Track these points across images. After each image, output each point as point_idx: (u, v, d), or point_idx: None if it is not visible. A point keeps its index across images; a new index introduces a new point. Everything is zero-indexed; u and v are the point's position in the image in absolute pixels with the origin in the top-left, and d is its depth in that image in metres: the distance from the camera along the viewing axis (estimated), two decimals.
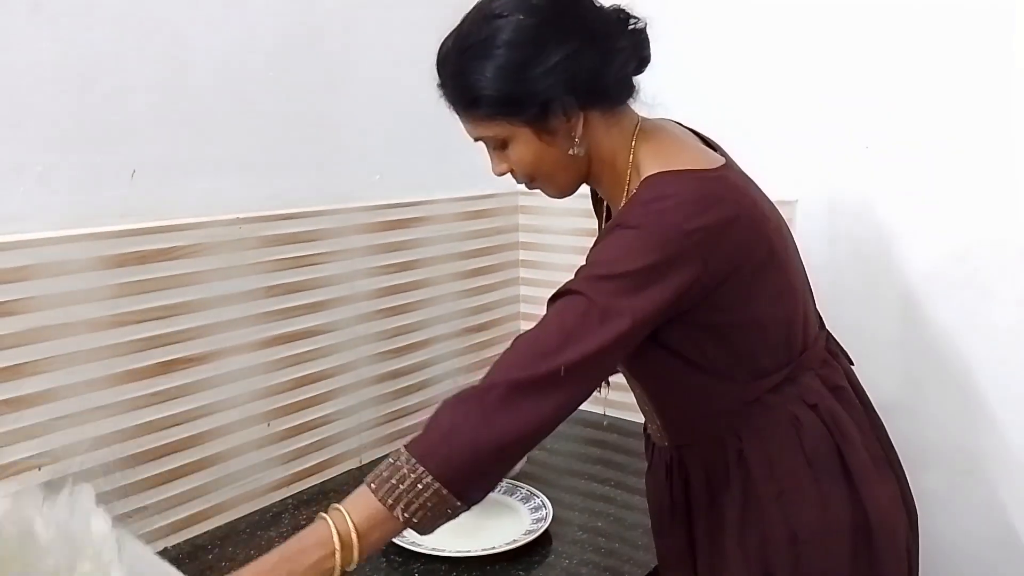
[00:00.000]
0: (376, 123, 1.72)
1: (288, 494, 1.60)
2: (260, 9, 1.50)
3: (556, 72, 1.03)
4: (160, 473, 1.39)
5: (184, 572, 1.32)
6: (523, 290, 2.09)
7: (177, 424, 1.41)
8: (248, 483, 1.53)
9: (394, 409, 1.79)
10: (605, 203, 1.27)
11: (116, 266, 1.30)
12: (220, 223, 1.44)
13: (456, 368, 1.92)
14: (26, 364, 1.21)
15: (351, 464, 1.71)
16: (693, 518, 1.18)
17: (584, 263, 1.04)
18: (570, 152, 1.09)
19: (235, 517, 1.51)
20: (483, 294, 1.99)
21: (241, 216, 1.47)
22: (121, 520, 1.31)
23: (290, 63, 1.56)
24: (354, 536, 0.93)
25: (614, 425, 1.92)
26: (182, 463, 1.42)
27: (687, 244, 0.98)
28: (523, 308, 2.08)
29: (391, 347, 1.77)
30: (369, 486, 0.96)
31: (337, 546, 0.93)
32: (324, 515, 0.96)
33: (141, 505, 1.37)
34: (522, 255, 2.07)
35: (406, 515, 0.94)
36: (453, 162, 1.86)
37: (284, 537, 1.42)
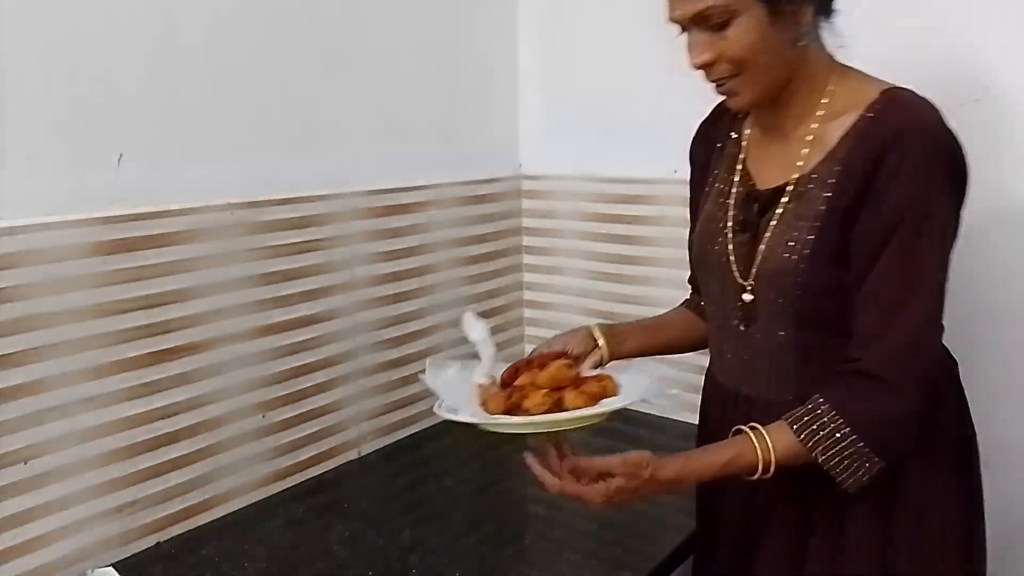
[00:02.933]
0: (376, 105, 1.67)
1: (285, 486, 1.57)
2: None
3: None
4: (152, 466, 1.36)
5: (180, 567, 1.31)
6: (527, 276, 2.05)
7: (169, 416, 1.37)
8: (244, 475, 1.50)
9: (395, 399, 1.76)
10: (734, 123, 1.26)
11: (105, 253, 1.26)
12: (213, 209, 1.40)
13: (459, 356, 1.88)
14: (12, 355, 1.18)
15: (350, 455, 1.68)
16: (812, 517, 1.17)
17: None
18: (797, 43, 1.06)
19: (231, 510, 1.48)
20: (486, 280, 1.95)
21: (234, 201, 1.43)
22: (114, 514, 1.32)
23: (286, 43, 1.51)
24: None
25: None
26: (175, 455, 1.39)
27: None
28: (527, 295, 2.05)
29: (392, 335, 1.73)
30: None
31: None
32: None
33: (133, 499, 1.34)
34: (526, 240, 2.03)
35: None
36: (455, 145, 1.83)
37: (282, 531, 1.47)
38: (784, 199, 1.12)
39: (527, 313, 2.05)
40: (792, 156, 1.12)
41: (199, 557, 1.35)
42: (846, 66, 1.12)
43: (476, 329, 1.25)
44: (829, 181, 1.08)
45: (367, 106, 1.66)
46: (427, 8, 1.71)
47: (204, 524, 1.44)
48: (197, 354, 1.40)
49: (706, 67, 1.07)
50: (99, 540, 1.31)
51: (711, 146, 1.29)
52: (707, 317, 1.29)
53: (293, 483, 1.58)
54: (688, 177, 1.34)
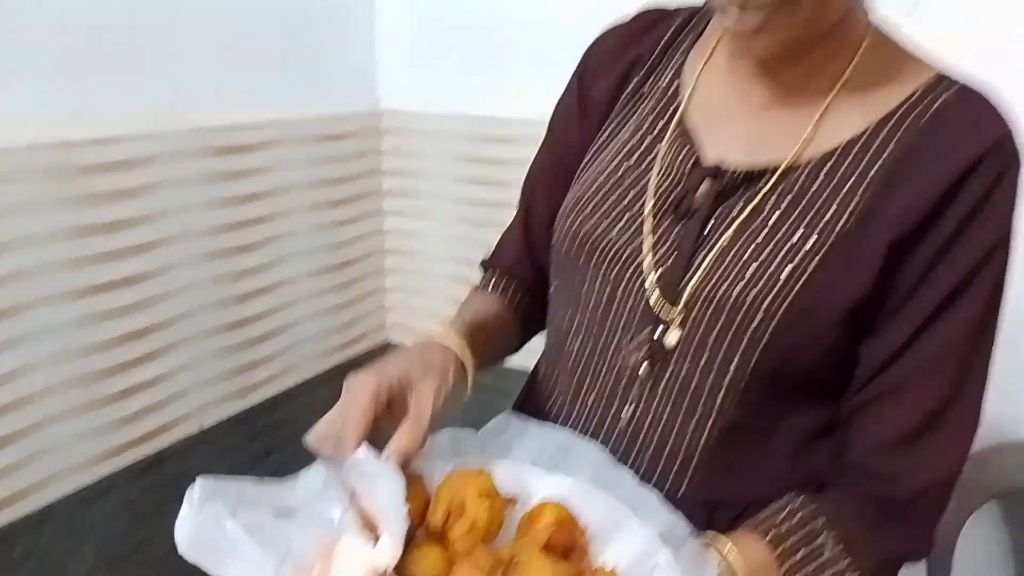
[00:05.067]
0: (210, 26, 1.48)
1: (119, 466, 1.40)
2: None
3: None
4: None
5: None
6: (388, 222, 1.92)
7: None
8: (66, 457, 1.32)
9: (241, 363, 1.61)
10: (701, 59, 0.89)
11: None
12: (7, 151, 1.20)
13: (313, 312, 1.75)
14: None
15: (191, 428, 1.53)
16: None
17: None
18: None
19: (53, 498, 1.31)
20: (341, 228, 1.81)
21: (35, 141, 1.23)
22: None
23: None
24: None
25: None
26: None
27: None
28: (388, 242, 1.92)
29: (235, 292, 1.58)
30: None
31: None
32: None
33: None
34: (386, 183, 1.89)
35: None
36: (303, 75, 1.67)
37: (113, 517, 1.32)
38: (763, 188, 0.79)
39: (388, 262, 1.93)
40: (786, 130, 0.80)
41: (12, 556, 1.19)
42: (881, 31, 0.82)
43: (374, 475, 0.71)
44: (854, 181, 0.76)
45: (199, 27, 1.46)
46: None
47: (21, 517, 1.26)
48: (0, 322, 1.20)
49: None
50: None
51: (626, 71, 0.93)
52: (555, 330, 0.93)
53: (128, 461, 1.41)
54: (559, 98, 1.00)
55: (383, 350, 1.93)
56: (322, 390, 1.74)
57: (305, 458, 0.78)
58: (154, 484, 1.38)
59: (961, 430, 0.77)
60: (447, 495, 0.72)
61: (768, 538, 0.76)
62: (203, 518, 0.66)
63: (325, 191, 1.76)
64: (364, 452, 0.71)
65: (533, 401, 0.96)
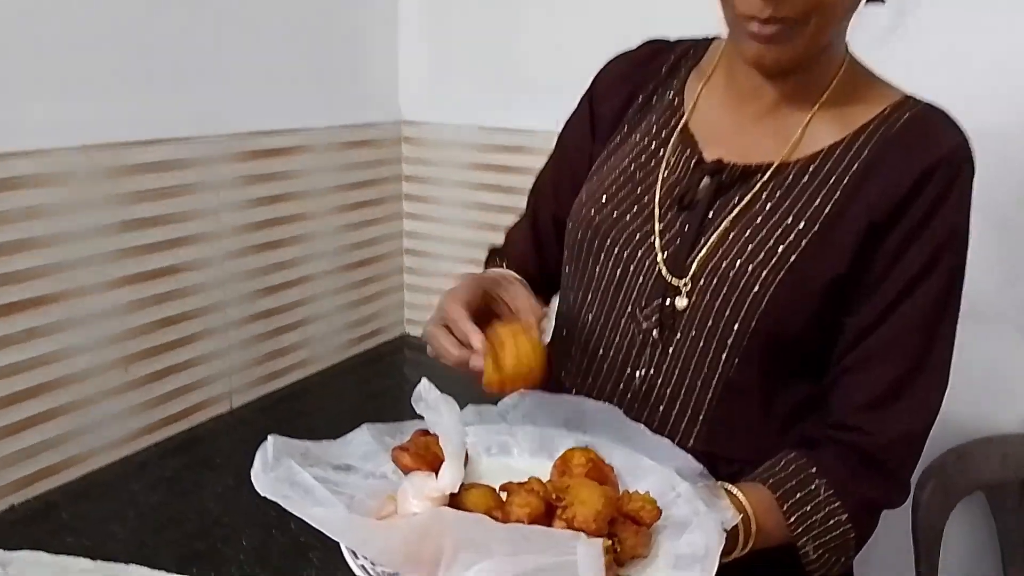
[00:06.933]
0: (246, 42, 1.58)
1: (152, 442, 1.50)
2: None
3: None
4: (5, 425, 1.27)
5: (34, 532, 1.24)
6: (407, 225, 2.00)
7: (23, 371, 1.29)
8: (106, 432, 1.42)
9: (267, 351, 1.70)
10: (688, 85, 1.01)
11: None
12: (66, 151, 1.29)
13: (335, 306, 1.84)
14: None
15: (221, 408, 1.62)
16: None
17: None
18: (855, 8, 0.87)
19: (91, 468, 1.40)
20: (363, 228, 1.89)
21: (90, 143, 1.32)
22: None
23: None
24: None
25: None
26: (30, 413, 1.30)
27: None
28: (407, 243, 2.00)
29: (263, 285, 1.67)
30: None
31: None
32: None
33: None
34: (406, 188, 1.97)
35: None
36: (331, 87, 1.76)
37: (151, 489, 1.41)
38: (756, 183, 0.91)
39: (407, 262, 2.01)
40: (776, 136, 0.92)
41: (59, 521, 1.27)
42: (856, 59, 0.95)
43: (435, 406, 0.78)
44: (835, 178, 0.88)
45: (237, 43, 1.56)
46: None
47: (62, 484, 1.36)
48: (52, 305, 1.31)
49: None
50: None
51: (633, 91, 1.04)
52: (567, 309, 1.03)
53: (161, 438, 1.51)
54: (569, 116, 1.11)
55: (400, 343, 2.00)
56: (342, 379, 1.81)
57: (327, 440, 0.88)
58: (187, 462, 1.46)
59: (928, 392, 0.88)
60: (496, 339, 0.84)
61: (769, 484, 0.87)
62: (277, 472, 0.74)
63: (349, 194, 1.83)
64: (426, 384, 0.78)
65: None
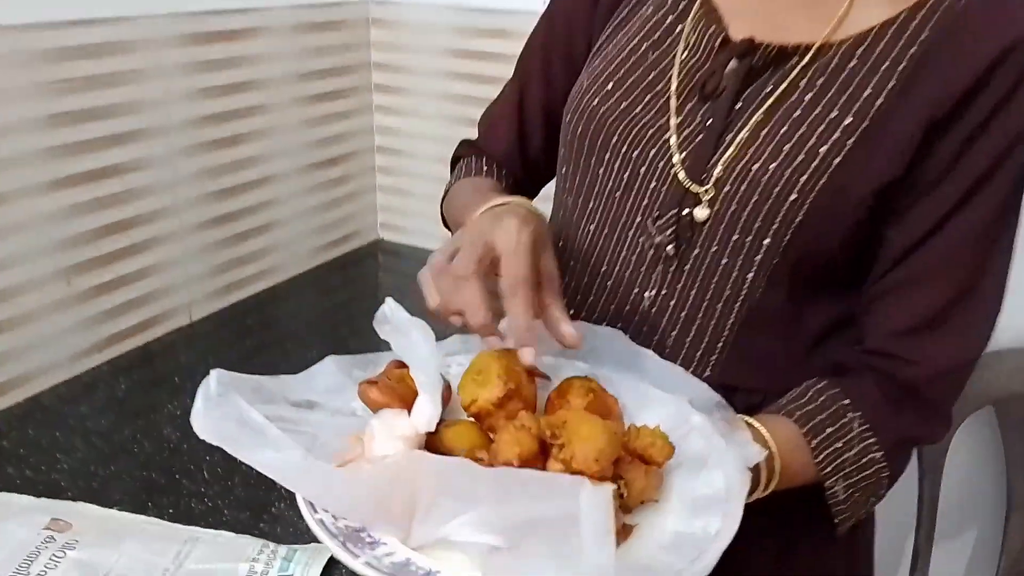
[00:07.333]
0: None
1: (101, 360, 1.38)
2: None
3: None
4: None
5: None
6: (378, 118, 1.84)
7: None
8: (49, 351, 1.30)
9: (228, 259, 1.57)
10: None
11: None
12: None
13: (301, 209, 1.70)
14: None
15: (180, 321, 1.50)
16: None
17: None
18: None
19: (34, 391, 1.29)
20: (330, 123, 1.74)
21: (11, 23, 1.16)
22: None
23: None
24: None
25: None
26: None
27: None
28: (378, 140, 1.85)
29: (221, 186, 1.52)
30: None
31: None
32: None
33: None
34: (376, 78, 1.81)
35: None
36: None
37: (100, 411, 1.30)
38: (794, 68, 0.76)
39: (379, 160, 1.87)
40: (817, 10, 0.77)
41: (2, 445, 1.16)
42: None
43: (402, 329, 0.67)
44: (888, 63, 0.73)
45: None
46: None
47: (1, 409, 1.24)
48: None
49: None
50: None
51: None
52: (565, 217, 0.90)
53: (114, 355, 1.39)
54: None
55: (373, 248, 1.89)
56: (311, 288, 1.71)
57: (296, 356, 0.74)
58: (142, 381, 1.35)
59: (980, 317, 0.77)
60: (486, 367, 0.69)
61: (795, 417, 0.77)
62: (222, 410, 0.63)
63: (313, 84, 1.68)
64: (392, 304, 0.67)
65: None
